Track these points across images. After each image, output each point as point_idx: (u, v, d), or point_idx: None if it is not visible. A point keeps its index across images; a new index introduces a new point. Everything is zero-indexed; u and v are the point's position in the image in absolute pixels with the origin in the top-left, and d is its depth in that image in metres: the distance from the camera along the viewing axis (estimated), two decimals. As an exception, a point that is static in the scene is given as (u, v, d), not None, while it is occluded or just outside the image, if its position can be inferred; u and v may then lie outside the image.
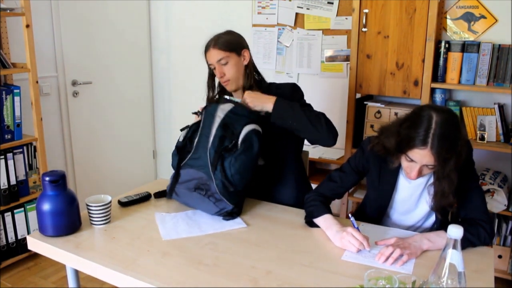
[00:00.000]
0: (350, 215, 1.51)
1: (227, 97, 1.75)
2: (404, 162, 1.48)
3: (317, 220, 1.56)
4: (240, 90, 1.87)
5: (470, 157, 1.56)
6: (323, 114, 1.74)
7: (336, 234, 1.47)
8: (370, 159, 1.65)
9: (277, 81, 1.98)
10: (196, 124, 1.75)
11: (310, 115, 1.70)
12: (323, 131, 1.68)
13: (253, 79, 1.87)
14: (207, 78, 1.95)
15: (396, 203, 1.66)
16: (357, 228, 1.46)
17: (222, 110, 1.66)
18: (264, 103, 1.70)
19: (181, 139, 1.75)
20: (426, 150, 1.37)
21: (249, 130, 1.61)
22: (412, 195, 1.62)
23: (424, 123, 1.38)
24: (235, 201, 1.62)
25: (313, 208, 1.59)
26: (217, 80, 1.92)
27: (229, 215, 1.63)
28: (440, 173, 1.45)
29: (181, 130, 1.78)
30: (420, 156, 1.39)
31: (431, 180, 1.57)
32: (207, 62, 1.87)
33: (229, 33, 1.87)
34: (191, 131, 1.74)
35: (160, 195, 1.84)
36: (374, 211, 1.71)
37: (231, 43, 1.82)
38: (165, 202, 1.80)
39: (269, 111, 1.70)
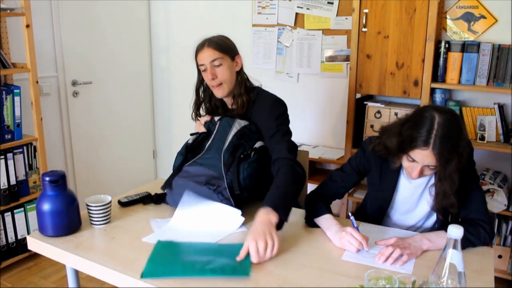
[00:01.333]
0: (350, 214, 1.51)
1: None
2: (406, 162, 1.48)
3: (317, 220, 1.56)
4: (230, 97, 1.85)
5: (471, 158, 1.56)
6: (291, 157, 1.65)
7: (335, 234, 1.47)
8: (371, 159, 1.65)
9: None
10: (206, 133, 1.78)
11: (292, 183, 1.58)
12: (301, 182, 1.63)
13: (244, 87, 1.81)
14: (196, 83, 1.91)
15: (397, 203, 1.67)
16: (357, 228, 1.46)
17: (239, 123, 1.72)
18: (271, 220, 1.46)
19: (190, 141, 1.77)
20: (428, 150, 1.37)
21: (261, 145, 1.70)
22: (413, 195, 1.62)
23: (427, 124, 1.38)
24: (239, 204, 1.64)
25: (314, 208, 1.59)
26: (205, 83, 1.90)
27: None
28: (441, 174, 1.45)
29: (191, 134, 1.81)
30: (422, 157, 1.39)
31: (432, 180, 1.57)
32: (197, 64, 1.83)
33: (222, 36, 1.84)
34: (201, 137, 1.77)
35: (151, 200, 1.80)
36: (375, 211, 1.71)
37: (225, 45, 1.78)
38: (162, 205, 1.78)
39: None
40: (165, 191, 1.74)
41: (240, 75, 1.83)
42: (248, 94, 1.81)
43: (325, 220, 1.54)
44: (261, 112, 1.77)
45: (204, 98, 1.92)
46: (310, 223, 1.60)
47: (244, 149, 1.67)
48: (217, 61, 1.75)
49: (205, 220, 1.57)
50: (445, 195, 1.48)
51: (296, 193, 1.62)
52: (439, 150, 1.36)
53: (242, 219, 1.57)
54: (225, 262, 1.31)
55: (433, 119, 1.38)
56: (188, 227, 1.56)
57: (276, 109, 1.77)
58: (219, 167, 1.64)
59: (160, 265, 1.30)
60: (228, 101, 1.88)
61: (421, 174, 1.46)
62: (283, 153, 1.65)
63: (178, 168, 1.71)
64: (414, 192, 1.62)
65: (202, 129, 1.81)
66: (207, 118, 1.83)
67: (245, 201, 1.69)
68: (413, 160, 1.43)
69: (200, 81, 1.90)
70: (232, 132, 1.69)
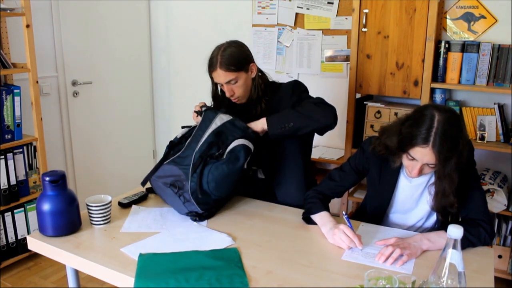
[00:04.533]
0: (343, 213, 1.54)
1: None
2: (406, 161, 1.49)
3: (314, 217, 1.58)
4: (247, 102, 1.87)
5: (471, 158, 1.57)
6: (318, 102, 1.73)
7: (329, 231, 1.49)
8: (370, 159, 1.65)
9: (278, 81, 1.97)
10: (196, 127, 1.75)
11: (302, 110, 1.69)
12: (318, 116, 1.68)
13: (261, 90, 1.83)
14: (211, 90, 1.89)
15: (397, 202, 1.67)
16: (351, 226, 1.47)
17: (221, 119, 1.67)
18: (261, 126, 1.70)
19: (178, 137, 1.76)
20: (428, 148, 1.37)
21: (238, 144, 1.61)
22: (413, 195, 1.62)
23: (427, 122, 1.38)
24: (205, 207, 1.62)
25: (311, 205, 1.61)
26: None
27: (197, 216, 1.62)
28: (441, 173, 1.45)
29: (182, 127, 1.79)
30: (421, 155, 1.40)
31: (432, 180, 1.57)
32: (212, 79, 1.82)
33: (233, 45, 1.77)
34: (189, 132, 1.75)
35: (151, 191, 1.86)
36: (374, 210, 1.71)
37: (237, 60, 1.74)
38: (160, 200, 1.80)
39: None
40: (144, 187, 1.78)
41: (256, 80, 1.82)
42: (266, 95, 1.83)
43: (321, 217, 1.56)
44: (284, 100, 1.79)
45: (223, 100, 1.90)
46: (307, 219, 1.61)
47: (216, 149, 1.62)
48: (233, 81, 1.76)
49: (189, 239, 1.51)
50: (444, 194, 1.48)
51: (298, 118, 1.67)
52: (438, 148, 1.36)
53: (230, 240, 1.49)
54: (218, 270, 1.28)
55: (433, 117, 1.38)
56: (171, 241, 1.49)
57: (296, 89, 1.82)
58: (189, 168, 1.60)
59: (151, 282, 1.23)
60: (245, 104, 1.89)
61: (420, 172, 1.46)
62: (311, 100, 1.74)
63: (157, 166, 1.70)
64: (414, 191, 1.62)
65: (197, 119, 1.78)
66: (198, 107, 1.79)
67: (216, 202, 1.67)
68: (413, 159, 1.43)
69: (215, 86, 1.88)
70: (210, 129, 1.65)
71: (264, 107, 1.82)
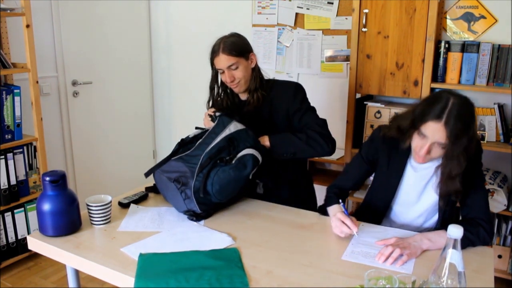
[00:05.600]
0: (339, 201, 1.58)
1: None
2: (415, 141, 1.49)
3: (328, 209, 1.64)
4: (246, 92, 1.91)
5: (479, 158, 1.58)
6: (322, 133, 1.82)
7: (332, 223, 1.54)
8: (379, 147, 1.68)
9: (274, 78, 2.01)
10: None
11: (306, 139, 1.79)
12: (319, 148, 1.81)
13: (259, 81, 1.90)
14: (210, 81, 1.94)
15: (401, 192, 1.68)
16: (346, 213, 1.52)
17: (235, 126, 1.72)
18: (266, 144, 1.81)
19: (190, 136, 1.79)
20: (440, 124, 1.38)
21: (248, 153, 1.66)
22: (417, 186, 1.63)
23: (442, 102, 1.41)
24: (203, 207, 1.63)
25: (328, 199, 1.68)
26: (219, 79, 1.93)
27: (194, 216, 1.62)
28: (449, 153, 1.44)
29: (196, 128, 1.83)
30: (433, 130, 1.40)
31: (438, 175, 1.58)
32: (213, 66, 1.87)
33: (235, 35, 1.88)
34: (201, 134, 1.77)
35: (152, 190, 1.90)
36: (379, 201, 1.72)
37: (239, 47, 1.83)
38: (159, 200, 1.80)
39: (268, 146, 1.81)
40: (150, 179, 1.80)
41: (255, 70, 1.90)
42: (262, 89, 1.90)
43: (332, 209, 1.61)
44: (285, 96, 1.88)
45: (221, 93, 1.97)
46: (323, 211, 1.68)
47: (227, 153, 1.65)
48: (234, 66, 1.82)
49: (189, 239, 1.50)
50: (450, 176, 1.48)
51: (302, 148, 1.80)
52: (451, 125, 1.37)
53: (230, 240, 1.49)
54: (218, 270, 1.28)
55: (448, 100, 1.41)
56: (171, 241, 1.49)
57: (299, 93, 1.91)
58: (196, 167, 1.63)
59: (151, 282, 1.22)
60: (244, 96, 1.94)
61: (428, 153, 1.46)
62: (314, 126, 1.84)
63: (164, 160, 1.73)
64: (418, 182, 1.63)
65: (209, 124, 1.82)
66: (211, 111, 1.85)
67: (215, 204, 1.67)
68: (424, 137, 1.43)
69: (215, 77, 1.94)
70: (223, 134, 1.69)
71: (260, 98, 1.88)
